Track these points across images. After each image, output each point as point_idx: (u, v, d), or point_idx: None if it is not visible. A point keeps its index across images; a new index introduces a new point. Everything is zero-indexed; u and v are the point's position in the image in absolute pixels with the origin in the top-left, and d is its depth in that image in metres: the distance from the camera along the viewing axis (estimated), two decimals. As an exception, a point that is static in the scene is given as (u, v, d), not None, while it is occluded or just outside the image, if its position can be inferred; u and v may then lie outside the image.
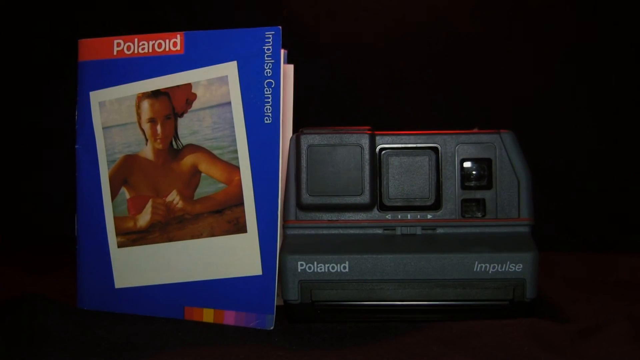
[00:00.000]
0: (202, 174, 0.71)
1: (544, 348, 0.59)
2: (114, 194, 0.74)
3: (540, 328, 0.63)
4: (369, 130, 0.71)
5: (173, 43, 0.72)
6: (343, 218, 0.71)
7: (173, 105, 0.72)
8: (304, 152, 0.70)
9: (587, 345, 0.60)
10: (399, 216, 0.71)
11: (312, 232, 0.71)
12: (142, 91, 0.73)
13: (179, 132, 0.72)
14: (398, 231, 0.71)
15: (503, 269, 0.67)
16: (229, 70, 0.70)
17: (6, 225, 1.27)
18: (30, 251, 1.15)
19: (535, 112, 1.23)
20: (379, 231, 0.71)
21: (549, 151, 1.19)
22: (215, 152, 0.71)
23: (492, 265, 0.67)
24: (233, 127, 0.70)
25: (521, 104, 1.24)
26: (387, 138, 0.72)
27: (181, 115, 0.72)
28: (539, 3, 1.26)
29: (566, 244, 1.11)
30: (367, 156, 0.70)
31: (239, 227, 0.70)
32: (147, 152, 0.73)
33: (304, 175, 0.70)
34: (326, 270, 0.68)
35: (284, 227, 0.71)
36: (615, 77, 1.23)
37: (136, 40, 0.73)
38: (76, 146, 0.75)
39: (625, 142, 1.23)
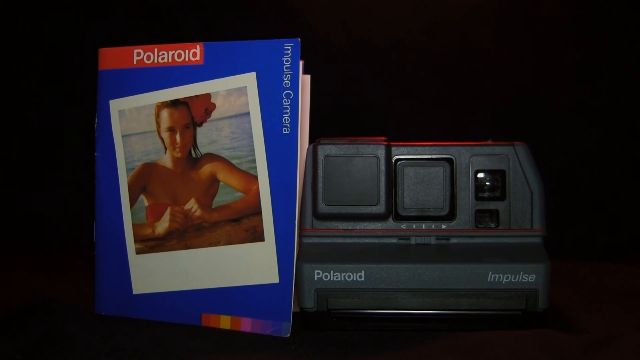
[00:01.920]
0: (220, 183, 0.72)
1: (556, 359, 0.60)
2: (132, 201, 0.75)
3: (554, 339, 0.64)
4: (385, 141, 0.72)
5: (193, 53, 0.73)
6: (359, 227, 0.72)
7: (192, 114, 0.73)
8: (321, 162, 0.71)
9: (600, 357, 0.60)
10: (414, 226, 0.72)
11: (328, 241, 0.72)
12: (162, 100, 0.74)
13: (198, 141, 0.73)
14: (412, 241, 0.72)
15: (516, 280, 0.68)
16: (248, 81, 0.71)
17: (23, 229, 1.29)
18: (47, 256, 1.16)
19: (547, 120, 1.25)
20: (394, 240, 0.72)
21: (559, 158, 1.21)
22: (234, 161, 0.72)
23: (505, 275, 0.68)
24: (251, 137, 0.71)
25: (533, 111, 1.25)
26: (402, 149, 0.73)
27: (200, 125, 0.73)
28: (550, 13, 1.27)
29: (576, 254, 1.12)
30: (382, 167, 0.71)
31: (257, 236, 0.71)
32: (166, 160, 0.74)
33: (320, 185, 0.71)
34: (342, 278, 0.69)
35: (300, 236, 0.72)
36: (627, 90, 1.24)
37: (156, 50, 0.74)
38: (95, 154, 0.76)
39: (635, 150, 1.24)
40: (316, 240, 0.72)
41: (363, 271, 0.69)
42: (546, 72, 1.26)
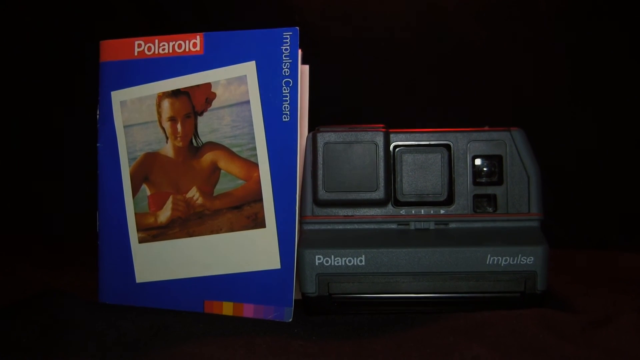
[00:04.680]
0: (222, 171, 0.73)
1: (557, 337, 0.61)
2: (134, 190, 0.76)
3: (553, 318, 0.65)
4: (383, 128, 0.73)
5: (193, 44, 0.74)
6: (358, 213, 0.73)
7: (193, 104, 0.74)
8: (321, 149, 0.72)
9: (599, 335, 0.61)
10: (413, 211, 0.73)
11: (329, 227, 0.73)
12: (163, 90, 0.75)
13: (199, 130, 0.74)
14: (412, 226, 0.73)
15: (515, 262, 0.69)
16: (248, 70, 0.72)
17: (26, 222, 1.29)
18: (50, 248, 1.17)
19: (542, 111, 1.26)
20: (394, 226, 0.73)
21: (554, 149, 1.22)
22: (235, 149, 0.73)
23: (504, 258, 0.69)
24: (252, 125, 0.72)
25: (528, 103, 1.26)
26: (401, 136, 0.74)
27: (201, 114, 0.74)
28: (543, 6, 1.28)
29: (571, 240, 1.13)
30: (381, 153, 0.72)
31: (258, 222, 0.72)
32: (168, 149, 0.75)
33: (320, 172, 0.72)
34: (343, 263, 0.70)
35: (301, 223, 0.73)
36: (619, 77, 1.26)
37: (157, 41, 0.75)
38: (97, 144, 0.77)
39: (628, 141, 1.25)
40: (317, 226, 0.73)
41: (363, 256, 0.69)
42: (542, 65, 1.28)
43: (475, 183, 0.73)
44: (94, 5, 1.34)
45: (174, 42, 0.74)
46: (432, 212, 0.73)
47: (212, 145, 0.74)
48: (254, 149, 0.72)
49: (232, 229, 0.73)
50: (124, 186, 0.76)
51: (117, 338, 0.65)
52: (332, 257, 0.70)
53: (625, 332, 0.62)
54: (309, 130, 0.75)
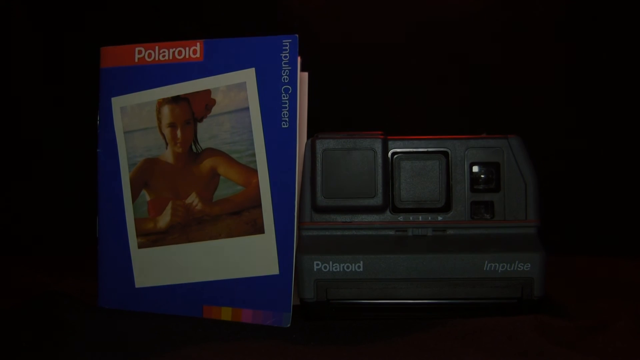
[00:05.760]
0: (221, 177, 0.74)
1: (554, 343, 0.61)
2: (134, 196, 0.76)
3: (550, 324, 0.65)
4: (381, 135, 0.73)
5: (193, 50, 0.74)
6: (357, 220, 0.74)
7: (193, 110, 0.74)
8: (319, 156, 0.72)
9: (596, 340, 0.62)
10: (411, 218, 0.73)
11: (327, 233, 0.74)
12: (163, 97, 0.75)
13: (199, 136, 0.74)
14: (410, 232, 0.73)
15: (512, 269, 0.69)
16: (247, 76, 0.73)
17: (26, 226, 1.30)
18: (50, 252, 1.17)
19: (539, 118, 1.26)
20: (391, 232, 0.73)
21: (552, 155, 1.22)
22: (234, 155, 0.73)
23: (501, 264, 0.69)
24: (251, 131, 0.72)
25: (526, 110, 1.27)
26: (399, 142, 0.74)
27: (200, 120, 0.74)
28: (542, 12, 1.29)
29: (568, 246, 1.13)
30: (380, 160, 0.72)
31: (257, 228, 0.72)
32: (167, 155, 0.75)
33: (319, 179, 0.72)
34: (341, 269, 0.70)
35: (299, 229, 0.73)
36: (618, 83, 1.26)
37: (157, 47, 0.75)
38: (98, 150, 0.77)
39: (625, 146, 1.26)
40: (315, 232, 0.73)
41: (361, 262, 0.70)
42: (539, 68, 1.28)
43: (473, 190, 0.74)
44: (95, 11, 1.34)
45: (174, 49, 0.75)
46: (429, 218, 0.73)
47: (212, 151, 0.74)
48: (253, 155, 0.72)
49: (231, 235, 0.73)
50: (124, 191, 0.76)
51: (116, 343, 0.65)
52: (331, 263, 0.70)
53: (622, 337, 0.62)
54: (308, 137, 0.76)
